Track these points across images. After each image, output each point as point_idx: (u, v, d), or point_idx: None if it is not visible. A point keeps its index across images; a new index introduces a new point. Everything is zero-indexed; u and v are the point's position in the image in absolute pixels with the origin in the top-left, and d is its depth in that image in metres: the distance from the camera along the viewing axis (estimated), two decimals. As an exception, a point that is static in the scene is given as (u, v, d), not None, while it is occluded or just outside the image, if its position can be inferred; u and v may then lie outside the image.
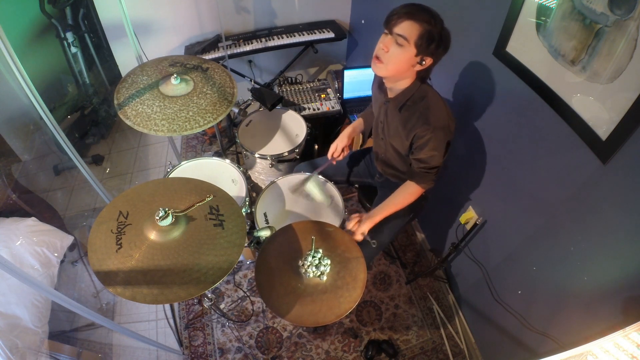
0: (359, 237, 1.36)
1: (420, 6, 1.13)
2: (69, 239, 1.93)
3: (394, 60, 1.17)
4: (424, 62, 1.18)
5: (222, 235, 1.06)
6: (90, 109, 2.72)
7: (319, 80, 2.44)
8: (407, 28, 1.11)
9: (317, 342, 1.87)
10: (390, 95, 1.34)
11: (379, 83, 1.42)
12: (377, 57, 1.20)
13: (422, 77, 1.26)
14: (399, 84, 1.27)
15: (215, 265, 0.99)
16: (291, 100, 2.29)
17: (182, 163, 1.76)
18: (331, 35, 2.65)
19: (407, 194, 1.39)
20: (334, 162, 1.63)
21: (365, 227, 1.37)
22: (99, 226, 1.07)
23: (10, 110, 2.22)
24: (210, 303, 1.59)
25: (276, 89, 2.37)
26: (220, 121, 1.55)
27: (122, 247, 1.01)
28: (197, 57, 1.80)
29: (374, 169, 1.69)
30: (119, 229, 1.05)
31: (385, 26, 1.16)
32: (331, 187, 1.66)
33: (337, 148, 1.60)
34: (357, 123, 1.67)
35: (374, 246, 1.41)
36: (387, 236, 1.53)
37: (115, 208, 1.11)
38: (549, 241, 1.29)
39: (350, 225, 1.38)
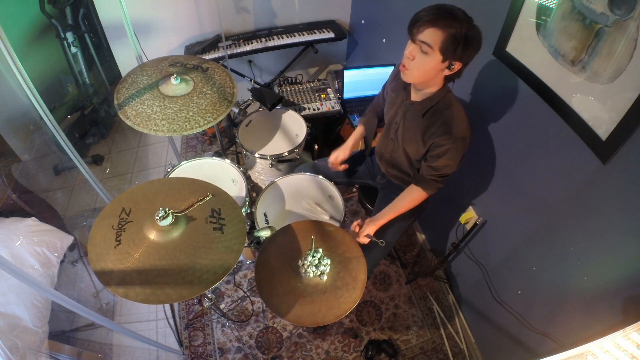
0: (363, 239, 1.37)
1: (444, 9, 1.07)
2: (69, 239, 1.93)
3: (420, 68, 1.14)
4: (452, 67, 1.13)
5: (221, 240, 1.05)
6: (90, 109, 2.72)
7: (319, 80, 2.44)
8: (430, 35, 1.06)
9: (317, 342, 1.87)
10: (415, 98, 1.30)
11: (403, 83, 1.35)
12: (403, 64, 1.17)
13: (451, 80, 1.22)
14: (427, 89, 1.24)
15: (210, 270, 0.98)
16: (291, 100, 2.29)
17: (182, 163, 1.76)
18: (331, 35, 2.65)
19: (412, 199, 1.38)
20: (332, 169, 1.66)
21: (370, 229, 1.36)
22: (102, 221, 1.07)
23: (10, 110, 2.22)
24: (210, 303, 1.59)
25: (276, 89, 2.37)
26: (220, 121, 1.55)
27: (120, 243, 1.01)
28: (197, 57, 1.79)
29: (376, 169, 1.68)
30: (120, 226, 1.05)
31: (409, 33, 1.12)
32: (331, 187, 1.66)
33: (337, 159, 1.62)
34: (359, 132, 1.66)
35: (382, 245, 1.38)
36: (391, 239, 1.52)
37: (119, 204, 1.11)
38: (549, 241, 1.29)
39: (352, 227, 1.39)
